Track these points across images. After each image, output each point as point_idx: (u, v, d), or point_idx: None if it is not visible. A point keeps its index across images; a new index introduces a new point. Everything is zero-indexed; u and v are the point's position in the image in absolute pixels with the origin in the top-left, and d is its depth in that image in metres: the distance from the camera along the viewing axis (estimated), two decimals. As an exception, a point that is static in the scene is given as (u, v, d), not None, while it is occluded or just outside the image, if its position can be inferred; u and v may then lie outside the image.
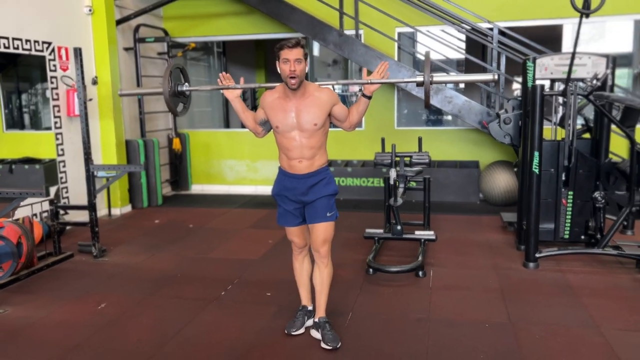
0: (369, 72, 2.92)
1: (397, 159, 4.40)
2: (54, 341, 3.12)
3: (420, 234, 4.42)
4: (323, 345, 2.97)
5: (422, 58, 7.09)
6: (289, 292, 3.67)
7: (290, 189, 2.97)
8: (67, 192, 5.70)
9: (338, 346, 2.95)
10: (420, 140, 4.59)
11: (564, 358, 2.82)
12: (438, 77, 2.78)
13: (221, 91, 3.04)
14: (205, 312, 3.49)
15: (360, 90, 2.86)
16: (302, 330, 3.15)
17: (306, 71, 2.80)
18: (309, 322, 3.21)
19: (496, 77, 2.73)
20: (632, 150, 4.15)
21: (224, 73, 3.00)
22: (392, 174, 4.26)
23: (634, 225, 4.97)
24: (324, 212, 2.94)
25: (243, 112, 3.05)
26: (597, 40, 6.81)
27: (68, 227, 5.38)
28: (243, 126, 10.21)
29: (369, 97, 2.86)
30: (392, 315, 3.40)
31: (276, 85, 2.95)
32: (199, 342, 3.08)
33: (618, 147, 5.22)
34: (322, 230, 2.96)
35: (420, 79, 2.75)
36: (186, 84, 3.12)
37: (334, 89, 3.01)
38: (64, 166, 5.67)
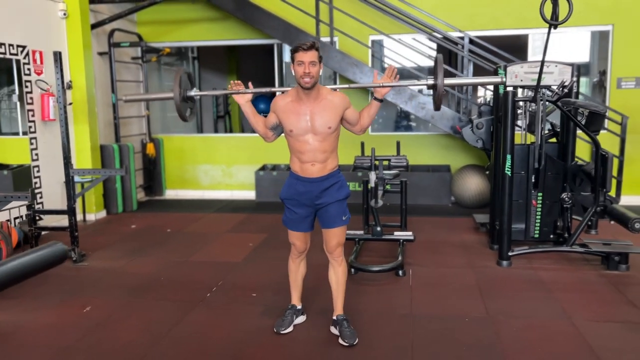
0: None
1: (377, 162, 4.55)
2: (45, 343, 3.12)
3: (399, 234, 4.57)
4: (341, 341, 3.02)
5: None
6: (274, 293, 3.76)
7: (303, 193, 2.99)
8: (41, 197, 5.61)
9: (355, 342, 3.00)
10: (398, 144, 4.75)
11: (541, 347, 3.00)
12: (449, 80, 2.80)
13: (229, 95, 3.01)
14: (193, 313, 3.53)
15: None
16: (290, 329, 3.22)
17: (320, 74, 2.81)
18: (297, 321, 3.30)
19: (504, 79, 2.80)
20: (596, 154, 4.39)
21: (234, 80, 2.98)
22: (372, 176, 4.40)
23: (597, 225, 5.22)
24: (339, 216, 3.00)
25: (253, 116, 3.00)
26: (556, 50, 7.15)
27: (43, 232, 5.28)
28: (217, 131, 10.12)
29: (381, 101, 2.95)
30: (376, 312, 3.52)
31: (288, 90, 2.97)
32: (190, 341, 3.12)
33: (580, 151, 5.50)
34: (337, 235, 3.03)
35: (431, 82, 2.77)
36: (194, 88, 3.06)
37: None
38: (38, 171, 5.59)
